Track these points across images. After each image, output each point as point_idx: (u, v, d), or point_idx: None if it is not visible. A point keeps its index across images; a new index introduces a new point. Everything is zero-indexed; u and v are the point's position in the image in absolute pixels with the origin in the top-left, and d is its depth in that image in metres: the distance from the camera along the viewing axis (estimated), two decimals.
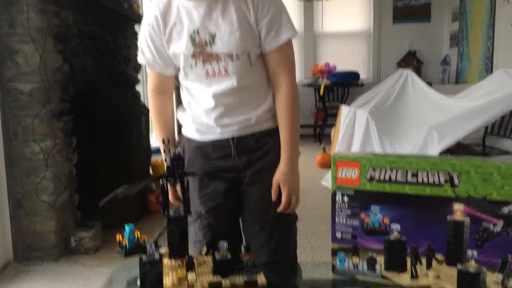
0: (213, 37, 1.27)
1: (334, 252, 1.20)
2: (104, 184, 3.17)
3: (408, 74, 4.34)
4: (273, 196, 1.34)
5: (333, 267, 1.20)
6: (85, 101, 3.07)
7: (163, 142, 1.21)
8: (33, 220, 2.57)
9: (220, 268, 1.16)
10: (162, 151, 1.31)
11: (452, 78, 6.68)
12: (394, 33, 7.08)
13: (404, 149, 3.27)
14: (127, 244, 1.09)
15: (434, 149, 3.04)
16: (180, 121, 1.45)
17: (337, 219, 1.19)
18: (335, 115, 6.13)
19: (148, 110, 3.85)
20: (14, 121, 2.49)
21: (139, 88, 4.37)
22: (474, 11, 6.06)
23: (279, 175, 1.34)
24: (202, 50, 1.28)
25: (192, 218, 1.41)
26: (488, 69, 5.64)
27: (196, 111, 1.38)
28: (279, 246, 1.39)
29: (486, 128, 3.35)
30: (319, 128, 6.70)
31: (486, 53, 5.70)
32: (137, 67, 4.32)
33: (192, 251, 1.26)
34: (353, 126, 4.48)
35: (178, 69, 1.36)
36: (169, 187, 1.22)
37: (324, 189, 4.12)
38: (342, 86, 6.56)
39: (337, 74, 6.58)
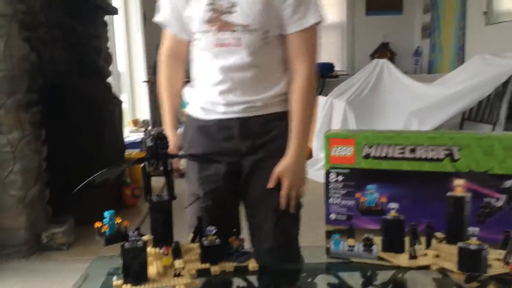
0: (233, 5, 1.20)
1: (329, 235, 1.14)
2: (76, 179, 3.02)
3: (384, 63, 4.35)
4: (270, 185, 1.27)
5: (328, 250, 1.14)
6: (55, 93, 2.92)
7: (143, 122, 1.13)
8: (1, 216, 2.43)
9: (209, 254, 1.09)
10: (165, 124, 1.28)
11: (425, 69, 6.76)
12: (368, 25, 7.10)
13: None
14: (107, 231, 1.00)
15: None
16: (186, 98, 1.38)
17: (331, 200, 1.13)
18: None
19: (121, 102, 3.73)
20: None
21: (110, 80, 4.22)
22: (445, 1, 6.13)
23: (282, 167, 1.27)
24: (218, 16, 1.21)
25: (189, 201, 1.35)
26: (460, 59, 5.71)
27: (202, 86, 1.31)
28: (283, 234, 1.32)
29: (464, 114, 3.37)
30: None
31: (458, 42, 5.77)
32: (108, 59, 4.17)
33: (187, 235, 1.19)
34: (330, 117, 4.46)
35: (191, 35, 1.29)
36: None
37: None
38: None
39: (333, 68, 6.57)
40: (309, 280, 1.15)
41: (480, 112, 3.39)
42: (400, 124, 3.20)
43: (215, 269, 1.07)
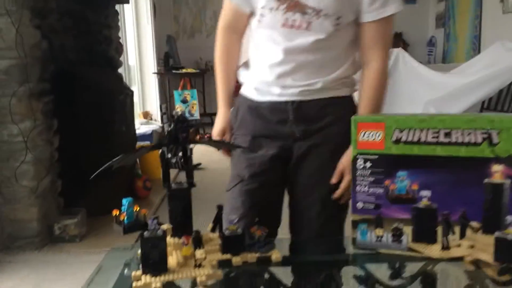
0: None
1: (355, 224, 1.08)
2: (87, 170, 2.99)
3: (399, 53, 4.24)
4: (333, 180, 1.22)
5: (354, 241, 1.09)
6: (66, 82, 2.88)
7: (161, 109, 1.08)
8: (13, 207, 2.40)
9: (230, 245, 1.04)
10: (218, 99, 1.28)
11: (439, 59, 6.64)
12: None
13: None
14: (125, 219, 0.95)
15: None
16: (240, 78, 1.33)
17: (358, 188, 1.07)
18: None
19: (132, 92, 3.68)
20: None
21: (120, 71, 4.18)
22: None
23: (347, 161, 1.19)
24: None
25: (231, 183, 1.31)
26: (476, 48, 5.59)
27: (259, 65, 1.26)
28: (329, 223, 1.27)
29: (483, 103, 3.28)
30: None
31: (474, 32, 5.65)
32: (119, 49, 4.13)
33: (225, 220, 1.14)
34: None
35: (255, 10, 1.23)
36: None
37: None
38: None
39: None
40: (334, 272, 1.10)
41: (500, 101, 3.30)
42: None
43: (236, 260, 1.02)
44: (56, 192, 2.64)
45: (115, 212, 0.97)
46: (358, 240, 1.08)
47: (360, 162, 1.06)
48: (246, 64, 1.34)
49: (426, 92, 3.30)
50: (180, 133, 0.98)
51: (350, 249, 1.10)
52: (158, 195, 3.39)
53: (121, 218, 0.96)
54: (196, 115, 6.09)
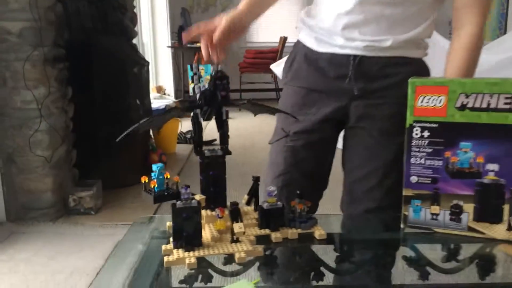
0: None
1: (407, 200, 0.97)
2: (101, 143, 2.93)
3: None
4: None
5: (405, 218, 0.98)
6: (80, 50, 2.78)
7: (191, 69, 0.96)
8: (27, 177, 2.33)
9: (269, 219, 0.94)
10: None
11: None
12: None
13: None
14: (155, 187, 0.85)
15: None
16: (301, 23, 1.20)
17: (413, 160, 0.96)
18: None
19: (148, 63, 3.57)
20: (2, 66, 2.21)
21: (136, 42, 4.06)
22: None
23: None
24: None
25: (274, 137, 1.22)
26: (502, 27, 5.38)
27: (325, 13, 1.13)
28: (389, 193, 1.14)
29: None
30: None
31: (500, 10, 5.43)
32: (134, 19, 3.99)
33: (264, 176, 1.06)
34: None
35: None
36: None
37: None
38: None
39: None
40: (381, 252, 0.99)
41: None
42: None
43: (276, 236, 0.92)
44: (71, 163, 2.56)
45: (144, 179, 0.87)
46: (410, 217, 0.97)
47: (416, 131, 0.94)
48: (308, 11, 1.21)
49: None
50: (220, 91, 0.86)
51: (401, 228, 0.99)
52: (173, 170, 3.31)
53: (151, 186, 0.85)
54: None
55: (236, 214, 0.87)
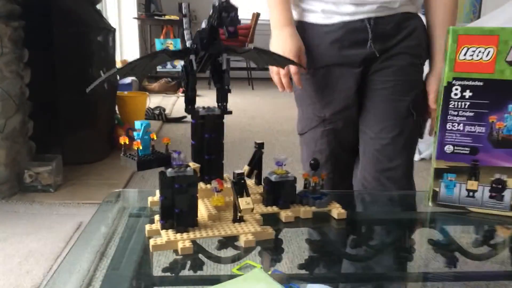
0: None
1: (439, 174, 0.82)
2: (63, 116, 2.67)
3: None
4: (432, 106, 1.09)
5: (435, 195, 0.83)
6: (39, 8, 2.49)
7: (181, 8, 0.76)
8: None
9: (278, 194, 0.76)
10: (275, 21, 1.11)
11: None
12: None
13: None
14: (140, 150, 0.65)
15: None
16: (297, 10, 1.16)
17: (449, 125, 0.80)
18: None
19: (114, 30, 3.28)
20: None
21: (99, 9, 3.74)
22: None
23: (436, 84, 1.09)
24: None
25: (306, 125, 1.19)
26: (476, 11, 5.34)
27: None
28: (405, 149, 1.11)
29: None
30: None
31: None
32: None
33: (306, 166, 1.10)
34: None
35: None
36: None
37: None
38: None
39: None
40: (405, 235, 0.84)
41: None
42: None
43: (287, 215, 0.75)
44: (27, 134, 2.30)
45: (123, 140, 0.67)
46: (441, 194, 0.82)
47: (456, 90, 0.79)
48: None
49: None
50: (227, 26, 0.67)
51: (428, 206, 0.84)
52: None
53: (135, 147, 0.66)
54: (179, 67, 5.71)
55: (241, 187, 0.68)
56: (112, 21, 5.67)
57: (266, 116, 4.22)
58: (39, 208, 2.06)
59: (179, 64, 6.16)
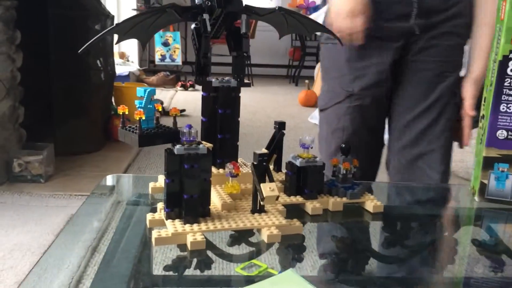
0: None
1: (488, 164, 0.70)
2: (56, 104, 2.54)
3: None
4: (470, 113, 0.99)
5: (483, 188, 0.71)
6: None
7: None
8: None
9: (304, 181, 0.64)
10: None
11: None
12: None
13: None
14: (142, 121, 0.53)
15: None
16: None
17: (503, 107, 0.69)
18: (313, 54, 5.62)
19: (113, 17, 3.16)
20: None
21: None
22: None
23: (473, 86, 1.00)
24: None
25: (329, 101, 1.08)
26: None
27: None
28: (445, 131, 1.01)
29: None
30: (295, 69, 6.15)
31: None
32: None
33: (323, 146, 1.05)
34: None
35: None
36: None
37: (313, 126, 3.65)
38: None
39: (318, 8, 5.98)
40: (447, 233, 0.72)
41: None
42: None
43: (314, 206, 0.63)
44: (17, 121, 2.16)
45: (123, 109, 0.55)
46: (490, 187, 0.71)
47: None
48: None
49: None
50: None
51: (473, 201, 0.72)
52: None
53: (136, 118, 0.54)
54: (178, 61, 5.59)
55: (263, 170, 0.56)
56: (111, 12, 5.55)
57: (267, 112, 4.10)
58: (28, 199, 1.93)
59: (177, 58, 6.00)
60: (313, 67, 4.88)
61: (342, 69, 1.06)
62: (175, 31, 5.91)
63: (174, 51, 5.83)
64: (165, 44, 5.80)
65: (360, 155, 1.00)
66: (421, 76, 1.03)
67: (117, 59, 5.29)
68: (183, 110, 3.89)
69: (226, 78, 0.67)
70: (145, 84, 3.91)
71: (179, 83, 5.35)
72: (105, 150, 2.66)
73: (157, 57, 5.81)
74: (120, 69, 5.04)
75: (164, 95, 4.67)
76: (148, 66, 6.14)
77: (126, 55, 5.79)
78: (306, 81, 4.56)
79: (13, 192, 1.98)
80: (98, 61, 2.91)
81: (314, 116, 3.86)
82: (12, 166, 2.07)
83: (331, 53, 1.09)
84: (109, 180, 0.80)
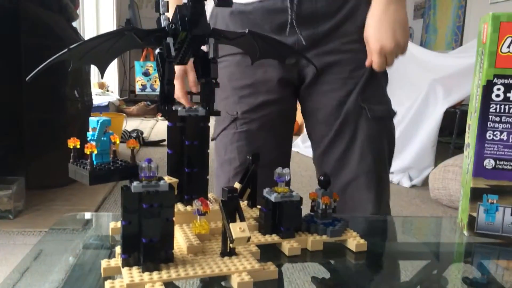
0: None
1: (477, 195, 0.66)
2: (29, 135, 2.46)
3: None
4: (368, 63, 0.89)
5: (472, 221, 0.66)
6: (5, 15, 2.31)
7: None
8: None
9: (280, 219, 0.58)
10: None
11: None
12: None
13: (402, 106, 2.78)
14: (94, 156, 0.47)
15: (439, 105, 2.61)
16: None
17: (489, 134, 0.65)
18: None
19: None
20: None
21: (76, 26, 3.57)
22: None
23: (368, 25, 0.88)
24: None
25: (219, 127, 0.96)
26: (458, 39, 5.38)
27: None
28: (364, 154, 0.89)
29: None
30: None
31: (456, 22, 5.44)
32: (76, 0, 3.52)
33: (215, 181, 0.92)
34: None
35: None
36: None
37: (295, 154, 3.61)
38: None
39: None
40: (436, 271, 0.67)
41: None
42: (421, 93, 2.77)
43: (291, 246, 0.57)
44: None
45: (73, 143, 0.49)
46: (480, 221, 0.66)
47: (498, 91, 0.64)
48: None
49: (429, 72, 2.94)
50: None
51: (462, 236, 0.67)
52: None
53: (87, 152, 0.48)
54: (158, 91, 5.56)
55: (234, 208, 0.51)
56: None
57: None
58: None
59: (158, 88, 6.09)
60: None
61: (225, 90, 0.94)
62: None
63: (155, 81, 5.80)
64: (146, 74, 5.78)
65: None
66: (325, 99, 0.92)
67: (96, 89, 5.24)
68: (163, 140, 3.82)
69: (194, 106, 0.62)
70: (124, 115, 3.84)
71: (159, 114, 5.29)
72: (79, 184, 2.53)
73: (138, 86, 5.77)
74: (100, 99, 4.98)
75: (144, 125, 4.60)
76: (129, 96, 6.09)
77: (106, 85, 5.74)
78: None
79: None
80: (75, 91, 2.85)
81: (296, 144, 3.83)
82: None
83: (219, 71, 1.01)
84: (68, 218, 0.74)
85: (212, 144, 0.72)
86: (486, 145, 0.65)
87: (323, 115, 0.93)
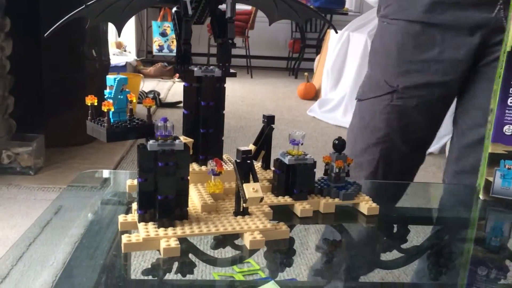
0: None
1: (494, 161, 0.65)
2: (48, 95, 2.48)
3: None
4: None
5: (488, 186, 0.66)
6: None
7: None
8: None
9: (293, 181, 0.59)
10: None
11: None
12: None
13: None
14: (111, 113, 0.48)
15: None
16: None
17: (510, 101, 0.63)
18: (313, 47, 5.55)
19: None
20: None
21: None
22: None
23: None
24: None
25: (371, 92, 0.91)
26: None
27: None
28: None
29: None
30: (295, 61, 6.07)
31: None
32: None
33: (350, 140, 0.89)
34: (345, 51, 3.91)
35: None
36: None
37: (312, 119, 3.59)
38: (324, 13, 5.90)
39: None
40: (447, 235, 0.67)
41: None
42: None
43: (304, 208, 0.58)
44: (7, 111, 2.11)
45: (91, 100, 0.50)
46: (496, 185, 0.66)
47: None
48: None
49: None
50: None
51: (478, 200, 0.67)
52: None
53: (104, 109, 0.48)
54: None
55: (247, 169, 0.51)
56: None
57: (266, 104, 4.05)
58: (15, 192, 1.88)
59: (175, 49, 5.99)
60: (313, 60, 4.81)
61: (390, 57, 0.88)
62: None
63: (172, 42, 5.76)
64: (163, 34, 5.73)
65: (385, 166, 0.85)
66: (489, 89, 0.82)
67: (114, 49, 5.23)
68: (180, 102, 3.83)
69: (210, 67, 0.61)
70: (141, 76, 3.85)
71: (177, 75, 5.28)
72: (97, 142, 2.60)
73: (155, 47, 5.74)
74: (117, 59, 4.98)
75: (161, 86, 4.60)
76: (146, 56, 6.06)
77: (123, 45, 5.72)
78: (306, 73, 4.49)
79: (1, 184, 1.93)
80: (93, 50, 2.85)
81: (313, 109, 3.81)
82: (0, 158, 2.02)
83: (384, 34, 0.91)
84: (86, 175, 0.75)
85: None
86: (507, 111, 0.64)
87: (483, 102, 0.85)
